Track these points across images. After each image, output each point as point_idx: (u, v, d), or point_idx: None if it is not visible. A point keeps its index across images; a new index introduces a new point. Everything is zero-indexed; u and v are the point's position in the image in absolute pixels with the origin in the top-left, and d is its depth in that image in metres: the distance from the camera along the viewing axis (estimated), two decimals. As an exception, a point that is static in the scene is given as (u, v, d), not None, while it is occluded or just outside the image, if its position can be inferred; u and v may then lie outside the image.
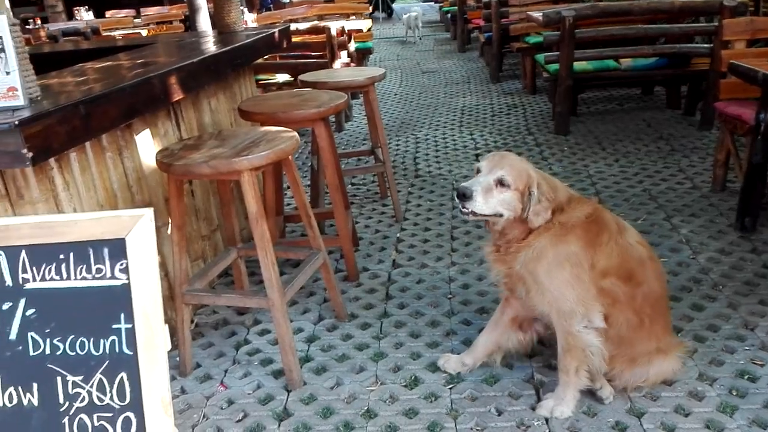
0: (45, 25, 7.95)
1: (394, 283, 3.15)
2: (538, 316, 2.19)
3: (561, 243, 2.02)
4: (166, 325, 1.64)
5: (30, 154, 1.75)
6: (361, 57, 7.37)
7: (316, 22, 6.51)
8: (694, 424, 2.05)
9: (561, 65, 5.26)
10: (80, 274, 1.62)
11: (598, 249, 2.03)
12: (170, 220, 2.41)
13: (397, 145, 5.54)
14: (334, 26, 5.87)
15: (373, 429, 2.15)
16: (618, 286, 2.04)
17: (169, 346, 1.64)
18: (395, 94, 7.81)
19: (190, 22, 6.36)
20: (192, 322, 2.82)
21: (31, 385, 1.60)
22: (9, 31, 1.85)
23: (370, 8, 11.09)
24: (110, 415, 1.58)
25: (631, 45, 5.56)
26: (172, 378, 2.47)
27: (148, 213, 1.64)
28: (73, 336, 1.60)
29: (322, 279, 2.88)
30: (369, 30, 7.14)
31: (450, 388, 2.32)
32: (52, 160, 2.10)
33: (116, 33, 7.47)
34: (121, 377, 1.57)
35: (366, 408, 2.25)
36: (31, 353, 1.61)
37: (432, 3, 19.97)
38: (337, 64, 5.86)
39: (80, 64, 2.94)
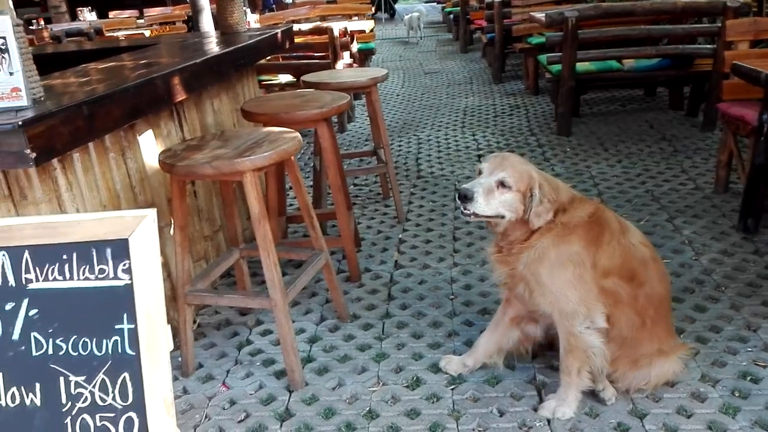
0: (48, 26, 7.97)
1: (396, 283, 3.15)
2: (540, 317, 2.19)
3: (563, 243, 2.02)
4: (169, 326, 1.65)
5: (33, 155, 1.76)
6: (363, 58, 7.37)
7: (318, 23, 6.51)
8: (697, 425, 2.05)
9: (563, 66, 5.26)
10: (83, 275, 1.62)
11: (600, 249, 2.03)
12: (173, 221, 2.41)
13: (400, 145, 5.54)
14: (336, 27, 5.87)
15: (374, 430, 2.15)
16: (620, 285, 2.04)
17: (171, 347, 1.64)
18: (398, 95, 7.81)
19: (193, 22, 6.37)
20: (194, 322, 2.82)
21: (34, 385, 1.60)
22: (12, 31, 1.86)
23: (373, 9, 11.08)
24: (112, 415, 1.58)
25: (634, 46, 5.56)
26: (175, 378, 2.47)
27: (151, 213, 1.64)
28: (75, 336, 1.60)
29: (324, 280, 2.88)
30: (371, 31, 7.14)
31: (452, 389, 2.32)
32: (55, 161, 2.11)
33: (119, 34, 7.48)
34: (124, 377, 1.57)
35: (368, 408, 2.25)
36: (34, 353, 1.61)
37: (434, 4, 19.96)
38: (339, 65, 5.87)
39: (83, 65, 2.95)
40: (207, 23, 5.80)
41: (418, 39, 13.16)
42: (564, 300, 2.02)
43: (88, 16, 9.25)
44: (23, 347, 1.61)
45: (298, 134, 2.39)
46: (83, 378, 1.59)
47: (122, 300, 1.59)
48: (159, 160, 2.26)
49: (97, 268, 1.61)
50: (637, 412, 2.12)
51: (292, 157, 2.42)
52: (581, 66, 5.34)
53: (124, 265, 1.60)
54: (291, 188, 3.96)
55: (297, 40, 5.19)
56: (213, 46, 3.33)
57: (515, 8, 7.24)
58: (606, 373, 2.12)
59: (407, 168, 4.90)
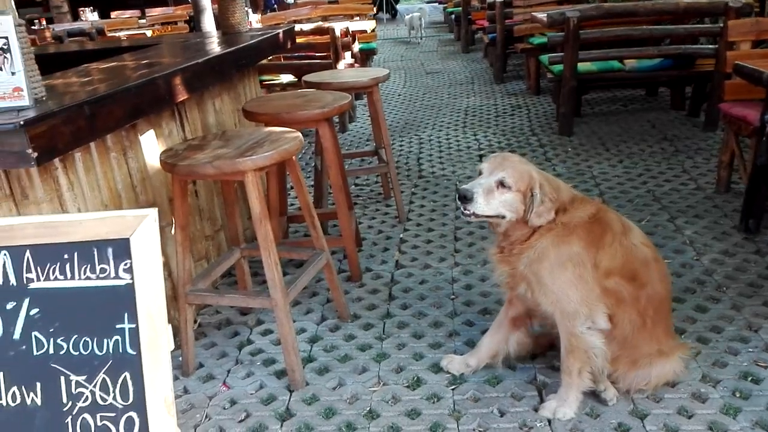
0: (50, 26, 7.99)
1: (397, 283, 3.15)
2: (541, 317, 2.19)
3: (563, 243, 2.02)
4: (170, 325, 1.65)
5: (35, 155, 1.76)
6: (365, 58, 7.38)
7: (320, 23, 6.52)
8: (697, 425, 2.05)
9: (565, 66, 5.26)
10: (84, 274, 1.62)
11: (601, 249, 2.03)
12: (174, 220, 2.41)
13: (401, 145, 5.54)
14: (338, 27, 5.87)
15: (375, 430, 2.15)
16: (622, 285, 2.04)
17: (172, 346, 1.64)
18: (399, 95, 7.81)
19: (194, 22, 6.38)
20: (195, 322, 2.82)
21: (35, 385, 1.60)
22: (14, 31, 1.86)
23: (374, 9, 11.09)
24: (113, 414, 1.58)
25: (636, 46, 5.55)
26: (175, 378, 2.47)
27: (153, 213, 1.64)
28: (76, 336, 1.60)
29: (325, 279, 2.88)
30: (373, 31, 7.14)
31: (452, 389, 2.32)
32: (56, 160, 2.11)
33: (121, 34, 7.50)
34: (125, 377, 1.58)
35: (368, 408, 2.25)
36: (35, 353, 1.61)
37: (436, 4, 19.96)
38: (341, 65, 5.87)
39: (85, 65, 2.95)
40: (209, 23, 5.81)
41: (420, 39, 13.15)
42: (565, 300, 2.02)
43: (90, 16, 9.27)
44: (24, 347, 1.62)
45: (299, 134, 2.39)
46: (84, 377, 1.59)
47: (123, 299, 1.59)
48: (160, 160, 2.26)
49: (98, 268, 1.62)
50: (637, 413, 2.12)
51: (294, 157, 2.42)
52: (583, 66, 5.34)
53: (125, 264, 1.60)
54: (292, 188, 3.96)
55: (298, 40, 5.19)
56: (215, 46, 3.33)
57: (517, 8, 7.23)
58: (607, 373, 2.12)
59: (408, 168, 4.90)
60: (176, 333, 2.50)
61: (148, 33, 7.34)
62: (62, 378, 1.60)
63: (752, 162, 3.32)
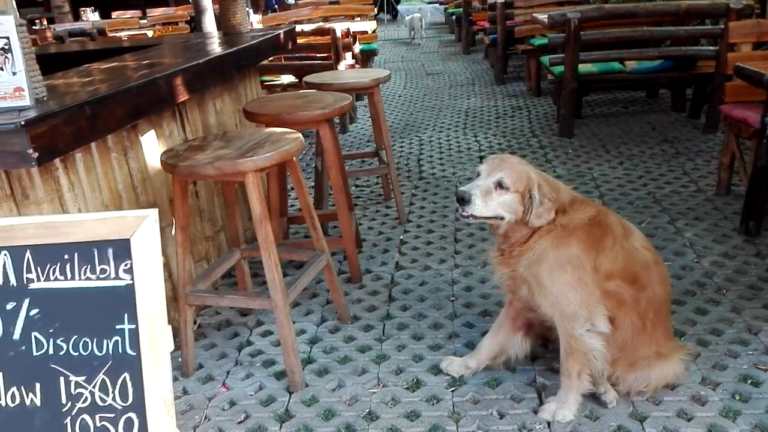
0: (51, 26, 7.99)
1: (397, 285, 3.15)
2: (541, 318, 2.19)
3: (562, 245, 2.01)
4: (169, 326, 1.65)
5: (36, 155, 1.76)
6: (365, 58, 7.38)
7: (321, 24, 6.52)
8: (697, 428, 2.05)
9: (566, 67, 5.26)
10: (84, 275, 1.62)
11: (601, 252, 2.02)
12: (174, 221, 2.41)
13: (401, 146, 5.54)
14: (339, 28, 5.87)
15: (374, 431, 2.15)
16: (623, 288, 2.04)
17: (172, 347, 1.64)
18: (400, 96, 7.82)
19: (195, 23, 6.38)
20: (195, 323, 2.82)
21: (34, 385, 1.60)
22: (16, 31, 1.86)
23: (375, 10, 11.09)
24: (112, 415, 1.58)
25: (637, 47, 5.55)
26: (175, 379, 2.47)
27: (153, 214, 1.64)
28: (76, 336, 1.60)
29: (325, 281, 2.88)
30: (374, 32, 7.15)
31: (452, 391, 2.32)
32: (57, 161, 2.11)
33: (122, 34, 7.50)
34: (124, 378, 1.58)
35: (368, 410, 2.25)
36: (35, 353, 1.61)
37: (437, 5, 19.97)
38: (341, 66, 5.87)
39: (86, 65, 2.95)
40: (210, 24, 5.81)
41: (420, 40, 13.16)
42: (564, 302, 2.02)
43: (91, 17, 9.28)
44: (24, 347, 1.62)
45: (300, 135, 2.39)
46: (83, 378, 1.59)
47: (123, 300, 1.59)
48: (161, 161, 2.26)
49: (98, 268, 1.62)
50: (637, 415, 2.12)
51: (294, 158, 2.42)
52: (583, 67, 5.34)
53: (126, 265, 1.60)
54: (292, 189, 3.97)
55: (299, 40, 5.19)
56: (215, 47, 3.33)
57: (518, 9, 7.24)
58: (606, 375, 2.12)
59: (409, 169, 4.90)
60: (176, 334, 2.50)
61: (149, 33, 7.35)
62: (62, 378, 1.60)
63: (753, 164, 3.32)
